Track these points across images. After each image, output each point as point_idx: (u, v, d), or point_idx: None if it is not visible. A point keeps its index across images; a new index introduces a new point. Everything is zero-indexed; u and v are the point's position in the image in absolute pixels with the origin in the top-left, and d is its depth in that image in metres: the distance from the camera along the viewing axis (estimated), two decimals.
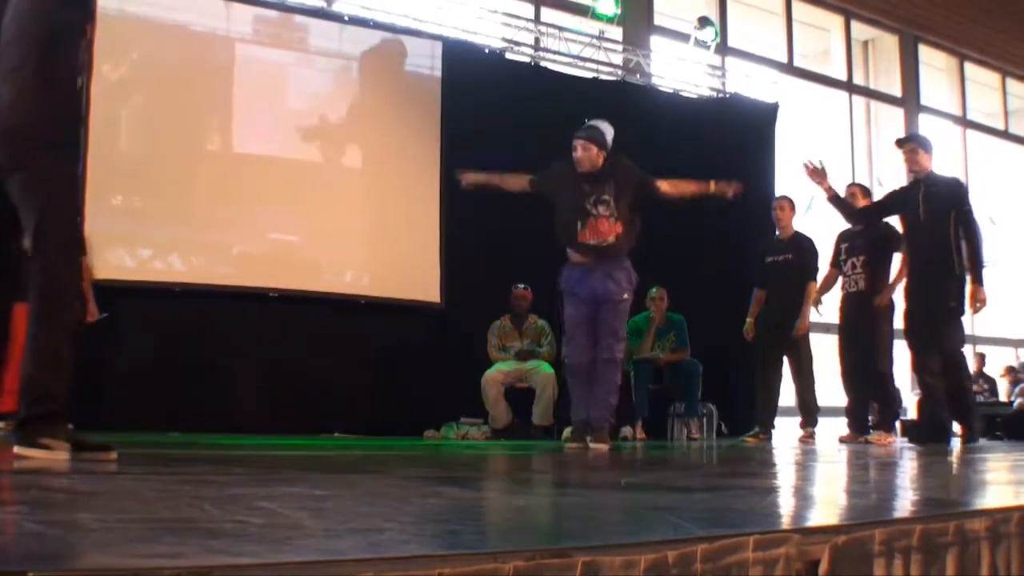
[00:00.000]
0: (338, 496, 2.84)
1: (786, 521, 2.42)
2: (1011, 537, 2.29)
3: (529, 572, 1.53)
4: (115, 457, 4.14)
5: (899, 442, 8.93)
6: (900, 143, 8.72)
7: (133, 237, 9.14)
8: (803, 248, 9.33)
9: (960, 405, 8.33)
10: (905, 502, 3.09)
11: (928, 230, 8.20)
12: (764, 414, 9.35)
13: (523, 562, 1.54)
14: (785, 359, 9.32)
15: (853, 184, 9.67)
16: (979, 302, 8.07)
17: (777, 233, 9.54)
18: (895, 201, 8.82)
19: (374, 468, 4.59)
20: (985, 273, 8.19)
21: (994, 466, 5.37)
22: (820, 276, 9.41)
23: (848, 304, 9.13)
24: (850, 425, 9.08)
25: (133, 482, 3.30)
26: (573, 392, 7.35)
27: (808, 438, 9.10)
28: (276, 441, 7.30)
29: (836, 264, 9.34)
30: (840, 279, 9.26)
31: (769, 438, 9.17)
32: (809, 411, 9.31)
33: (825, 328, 10.42)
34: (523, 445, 8.17)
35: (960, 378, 8.25)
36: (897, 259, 8.85)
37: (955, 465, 5.55)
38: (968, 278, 8.09)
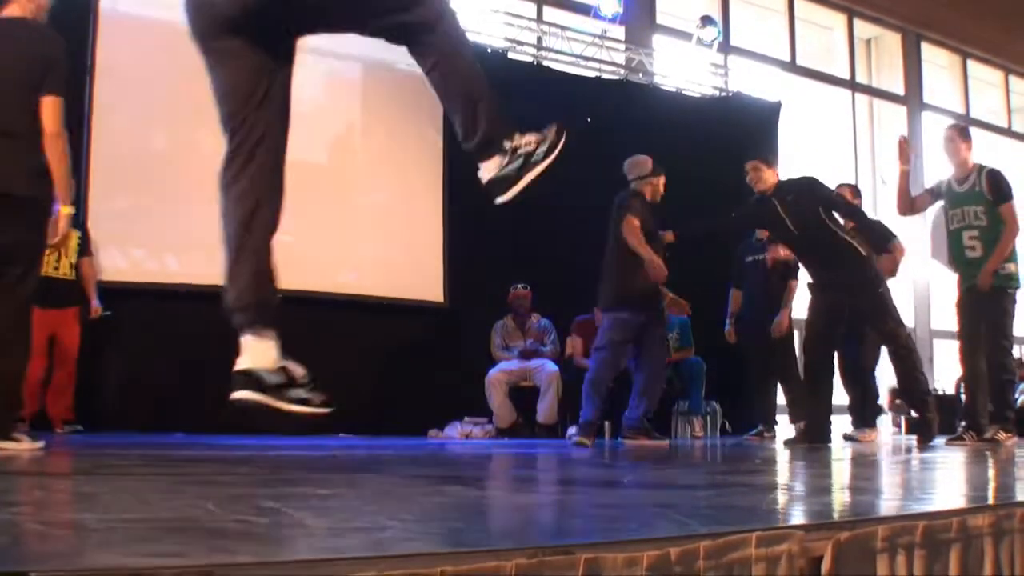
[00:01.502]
0: (341, 495, 2.85)
1: (789, 518, 2.42)
2: (1014, 533, 2.29)
3: (531, 570, 1.53)
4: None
5: (881, 437, 8.97)
6: (747, 164, 8.28)
7: (135, 239, 9.15)
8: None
9: (914, 395, 8.16)
10: (908, 499, 3.09)
11: (809, 239, 7.93)
12: (764, 413, 9.36)
13: (525, 559, 1.54)
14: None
15: (843, 184, 9.53)
16: (901, 253, 8.23)
17: (756, 233, 9.50)
18: (752, 215, 8.58)
19: (377, 468, 4.60)
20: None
21: (997, 462, 5.37)
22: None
23: None
24: (854, 422, 9.06)
25: (136, 482, 3.31)
26: (591, 399, 7.51)
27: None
28: (280, 441, 7.31)
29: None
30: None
31: (773, 436, 9.17)
32: (800, 408, 9.33)
33: None
34: (527, 444, 8.18)
35: (912, 364, 7.95)
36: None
37: (959, 462, 5.55)
38: (884, 250, 8.14)
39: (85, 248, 8.47)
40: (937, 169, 16.56)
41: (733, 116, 12.31)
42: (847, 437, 8.83)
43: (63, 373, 8.25)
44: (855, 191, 9.29)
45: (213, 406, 8.83)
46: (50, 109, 4.85)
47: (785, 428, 9.76)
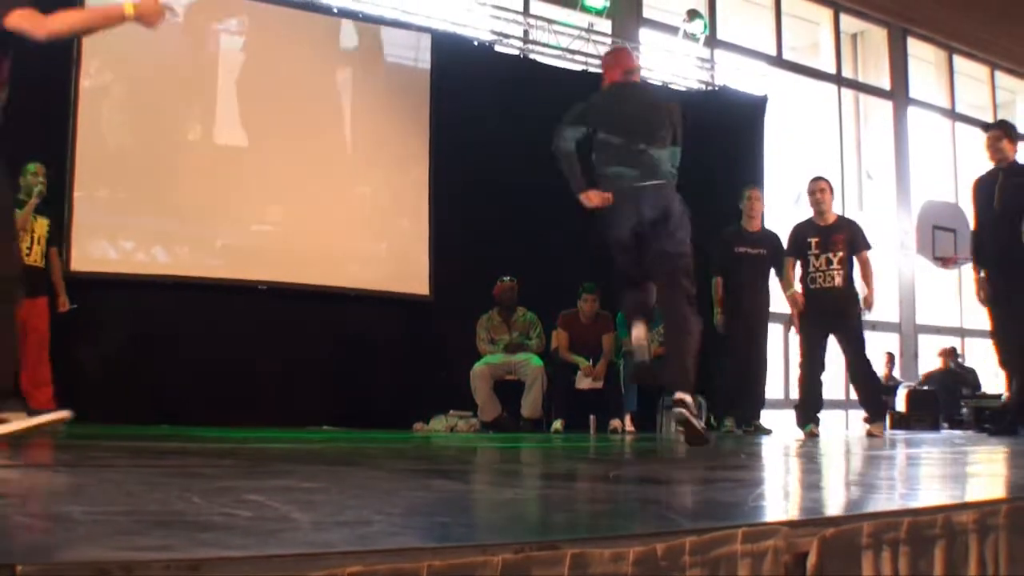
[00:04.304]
0: (326, 489, 2.84)
1: (774, 514, 2.42)
2: (999, 530, 2.30)
3: (517, 564, 1.53)
4: (68, 416, 4.32)
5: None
6: (986, 127, 9.04)
7: (120, 229, 9.12)
8: (776, 244, 9.42)
9: None
10: (893, 495, 3.10)
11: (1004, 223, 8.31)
12: (747, 407, 9.41)
13: (511, 554, 1.54)
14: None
15: (822, 178, 9.44)
16: None
17: (744, 223, 9.47)
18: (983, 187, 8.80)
19: (362, 461, 4.59)
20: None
21: (983, 459, 5.39)
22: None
23: (820, 300, 8.82)
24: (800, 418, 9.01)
25: (122, 475, 3.30)
26: None
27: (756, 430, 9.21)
28: (264, 434, 7.30)
29: (798, 255, 9.01)
30: (800, 271, 9.02)
31: (752, 430, 9.23)
32: (762, 403, 9.39)
33: None
34: (512, 438, 8.18)
35: None
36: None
37: (944, 458, 5.57)
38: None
39: (55, 238, 8.40)
40: (923, 165, 16.68)
41: (719, 110, 12.32)
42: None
43: (38, 366, 8.17)
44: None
45: (197, 398, 8.88)
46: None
47: (776, 423, 9.81)
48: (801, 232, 9.06)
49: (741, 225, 9.50)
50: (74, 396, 8.28)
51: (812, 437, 8.44)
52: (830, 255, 8.79)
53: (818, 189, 9.01)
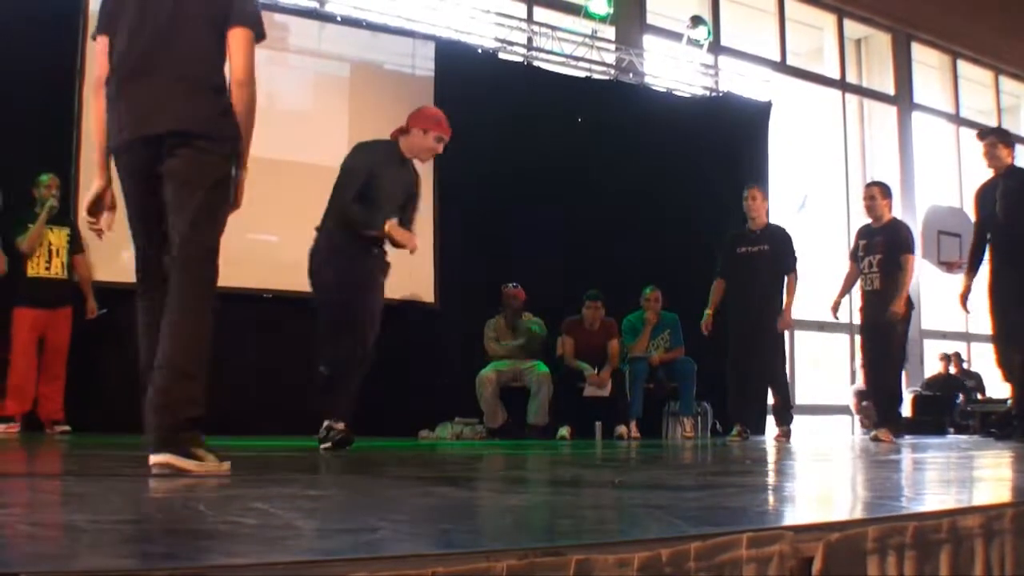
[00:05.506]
0: (331, 496, 2.84)
1: (779, 519, 2.42)
2: (1005, 534, 2.29)
3: (522, 571, 1.53)
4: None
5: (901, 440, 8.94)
6: (982, 135, 8.81)
7: (127, 238, 9.12)
8: (780, 239, 9.19)
9: None
10: (899, 499, 3.09)
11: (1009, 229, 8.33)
12: (747, 412, 9.30)
13: (516, 561, 1.54)
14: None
15: (873, 184, 9.43)
16: None
17: (748, 224, 9.33)
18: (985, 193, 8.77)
19: (368, 468, 4.59)
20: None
21: (988, 463, 5.38)
22: (803, 271, 9.34)
23: (866, 302, 8.93)
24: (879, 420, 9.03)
25: (126, 483, 3.30)
26: None
27: (783, 437, 9.04)
28: (269, 442, 7.30)
29: (855, 258, 9.07)
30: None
31: (748, 436, 9.16)
32: (787, 409, 9.24)
33: (819, 326, 10.38)
34: (518, 444, 8.17)
35: None
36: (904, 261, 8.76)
37: (949, 463, 5.56)
38: None
39: (77, 245, 8.44)
40: (928, 170, 16.67)
41: (723, 116, 12.32)
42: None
43: (52, 374, 8.22)
44: (885, 191, 9.10)
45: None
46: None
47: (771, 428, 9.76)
48: (857, 235, 9.20)
49: (746, 226, 9.33)
50: (80, 405, 8.31)
51: (877, 441, 8.44)
52: (871, 258, 8.83)
53: (867, 196, 9.06)
